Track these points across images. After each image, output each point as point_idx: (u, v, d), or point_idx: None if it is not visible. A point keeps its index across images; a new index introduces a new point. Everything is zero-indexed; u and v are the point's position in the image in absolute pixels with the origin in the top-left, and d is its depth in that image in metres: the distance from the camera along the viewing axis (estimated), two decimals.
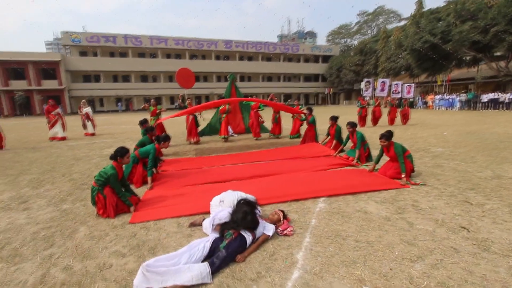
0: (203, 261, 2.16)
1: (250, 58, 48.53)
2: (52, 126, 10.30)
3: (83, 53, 39.77)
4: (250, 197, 3.03)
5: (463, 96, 23.43)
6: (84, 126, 11.42)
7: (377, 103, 12.24)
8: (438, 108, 24.94)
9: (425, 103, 27.58)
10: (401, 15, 54.13)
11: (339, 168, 5.11)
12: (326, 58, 51.43)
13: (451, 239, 2.52)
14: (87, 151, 7.64)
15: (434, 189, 3.90)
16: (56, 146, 8.82)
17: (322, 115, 14.19)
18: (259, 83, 47.74)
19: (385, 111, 13.37)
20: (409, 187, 3.96)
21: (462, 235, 2.60)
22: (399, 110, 13.04)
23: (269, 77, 49.88)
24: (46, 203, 3.68)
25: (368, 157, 5.59)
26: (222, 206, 3.01)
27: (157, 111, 8.68)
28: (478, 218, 2.95)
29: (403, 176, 4.07)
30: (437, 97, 25.93)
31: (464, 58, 27.20)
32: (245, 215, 2.48)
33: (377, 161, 4.73)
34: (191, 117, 8.57)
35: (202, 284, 1.95)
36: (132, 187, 4.15)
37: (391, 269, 2.09)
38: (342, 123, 6.44)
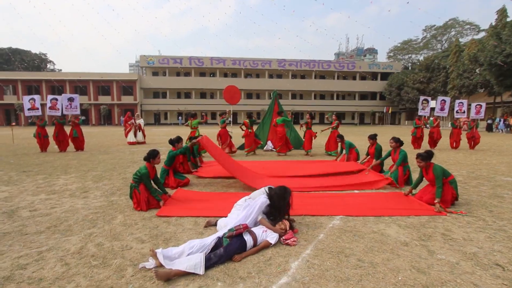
0: None
1: (303, 76, 48.92)
2: (127, 133, 12.36)
3: (155, 73, 45.98)
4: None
5: None
6: (135, 135, 12.78)
7: (435, 124, 11.00)
8: None
9: (508, 126, 23.39)
10: (479, 26, 47.87)
11: (373, 191, 4.81)
12: (385, 76, 48.43)
13: (475, 275, 2.21)
14: (142, 156, 8.79)
15: (479, 220, 3.40)
16: (121, 150, 10.39)
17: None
18: (311, 101, 47.43)
19: (446, 133, 11.92)
20: (446, 214, 3.54)
21: (492, 272, 2.25)
22: (465, 132, 11.47)
23: (321, 95, 49.20)
24: (100, 194, 4.46)
25: (408, 180, 5.14)
26: (248, 201, 3.19)
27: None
28: None
29: (436, 201, 3.65)
30: None
31: None
32: (283, 193, 2.93)
33: (415, 186, 4.32)
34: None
35: (194, 274, 2.16)
36: (168, 190, 4.71)
37: None
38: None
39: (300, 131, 10.46)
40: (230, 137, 9.35)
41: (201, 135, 5.52)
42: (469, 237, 2.92)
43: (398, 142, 5.28)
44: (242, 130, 9.60)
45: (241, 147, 9.75)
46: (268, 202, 2.96)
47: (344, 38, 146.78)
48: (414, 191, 4.35)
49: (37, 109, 10.40)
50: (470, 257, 2.49)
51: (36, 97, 10.54)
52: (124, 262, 2.36)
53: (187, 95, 45.73)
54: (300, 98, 48.50)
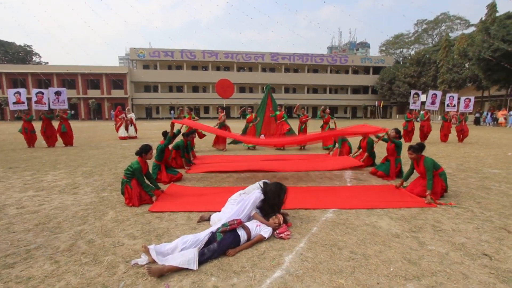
0: None
1: (296, 70, 48.75)
2: (118, 128, 12.12)
3: (146, 66, 45.02)
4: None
5: None
6: (127, 129, 12.44)
7: (426, 117, 11.18)
8: None
9: (495, 119, 23.97)
10: (469, 21, 48.49)
11: (365, 184, 4.88)
12: (377, 70, 48.72)
13: (464, 265, 2.27)
14: (134, 151, 8.65)
15: (467, 212, 3.48)
16: (112, 145, 10.20)
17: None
18: (304, 95, 47.43)
19: (437, 127, 12.13)
20: (436, 206, 3.61)
21: (480, 262, 2.31)
22: (454, 125, 11.70)
23: (314, 89, 49.23)
24: (90, 190, 4.37)
25: (399, 173, 5.22)
26: (242, 196, 3.16)
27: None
28: (511, 248, 2.57)
29: (427, 193, 3.72)
30: None
31: None
32: (278, 190, 2.93)
33: (406, 178, 4.41)
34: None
35: (188, 269, 2.14)
36: (161, 185, 4.65)
37: (378, 283, 1.99)
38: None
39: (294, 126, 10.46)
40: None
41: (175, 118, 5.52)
42: (458, 228, 2.99)
43: (398, 133, 5.50)
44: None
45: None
46: (262, 197, 2.95)
47: (337, 32, 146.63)
48: (405, 184, 4.42)
49: (23, 103, 10.06)
50: (458, 248, 2.55)
51: (22, 90, 10.18)
52: (116, 259, 2.32)
53: (179, 88, 45.04)
54: (293, 92, 48.42)
